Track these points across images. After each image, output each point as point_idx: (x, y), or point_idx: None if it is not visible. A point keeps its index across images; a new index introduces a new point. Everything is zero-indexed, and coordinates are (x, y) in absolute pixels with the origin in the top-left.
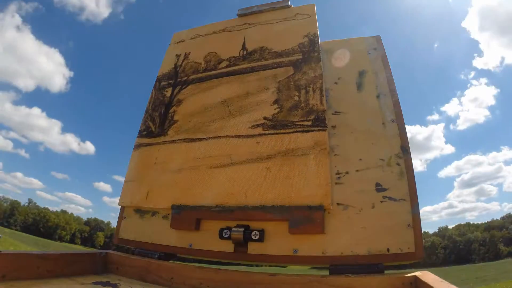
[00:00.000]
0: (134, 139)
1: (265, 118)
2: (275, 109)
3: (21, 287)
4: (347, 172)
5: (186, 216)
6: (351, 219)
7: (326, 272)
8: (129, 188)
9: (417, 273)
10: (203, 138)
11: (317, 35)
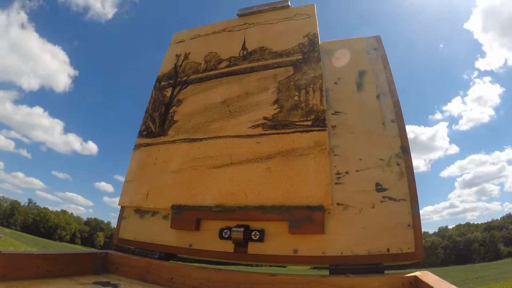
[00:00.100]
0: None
1: (265, 118)
2: (275, 109)
3: (21, 287)
4: (347, 172)
5: (186, 216)
6: (351, 219)
7: (326, 272)
8: (129, 188)
9: (417, 273)
10: (203, 138)
11: (317, 35)
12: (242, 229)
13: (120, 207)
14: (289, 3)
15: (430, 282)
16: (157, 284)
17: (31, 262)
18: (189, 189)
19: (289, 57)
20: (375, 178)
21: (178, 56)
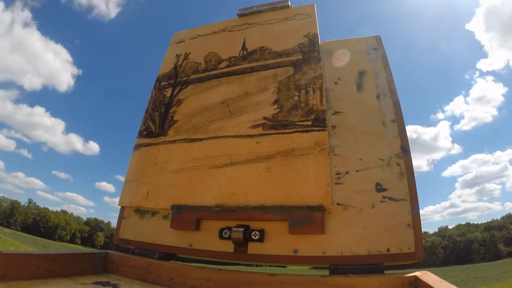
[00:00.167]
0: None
1: (265, 118)
2: (275, 109)
3: (21, 287)
4: (347, 172)
5: (186, 216)
6: (351, 219)
7: (326, 272)
8: (129, 188)
9: (417, 273)
10: (203, 138)
11: (317, 35)
12: (242, 229)
13: (120, 207)
14: (289, 3)
15: (430, 282)
16: (157, 284)
17: (31, 262)
18: (189, 189)
19: (289, 57)
20: (375, 178)
21: (178, 56)
